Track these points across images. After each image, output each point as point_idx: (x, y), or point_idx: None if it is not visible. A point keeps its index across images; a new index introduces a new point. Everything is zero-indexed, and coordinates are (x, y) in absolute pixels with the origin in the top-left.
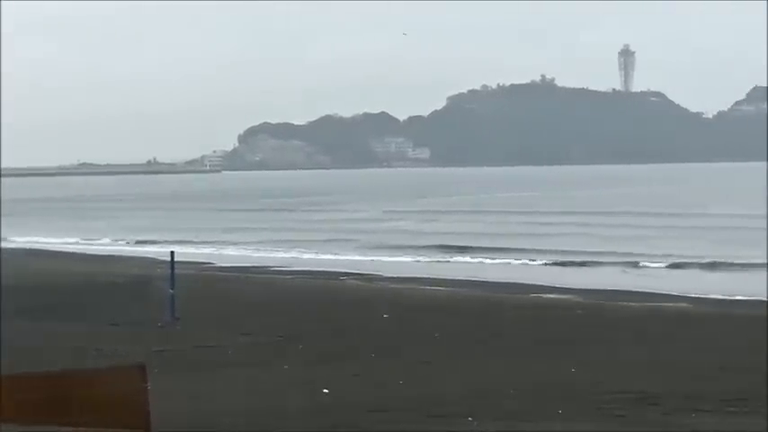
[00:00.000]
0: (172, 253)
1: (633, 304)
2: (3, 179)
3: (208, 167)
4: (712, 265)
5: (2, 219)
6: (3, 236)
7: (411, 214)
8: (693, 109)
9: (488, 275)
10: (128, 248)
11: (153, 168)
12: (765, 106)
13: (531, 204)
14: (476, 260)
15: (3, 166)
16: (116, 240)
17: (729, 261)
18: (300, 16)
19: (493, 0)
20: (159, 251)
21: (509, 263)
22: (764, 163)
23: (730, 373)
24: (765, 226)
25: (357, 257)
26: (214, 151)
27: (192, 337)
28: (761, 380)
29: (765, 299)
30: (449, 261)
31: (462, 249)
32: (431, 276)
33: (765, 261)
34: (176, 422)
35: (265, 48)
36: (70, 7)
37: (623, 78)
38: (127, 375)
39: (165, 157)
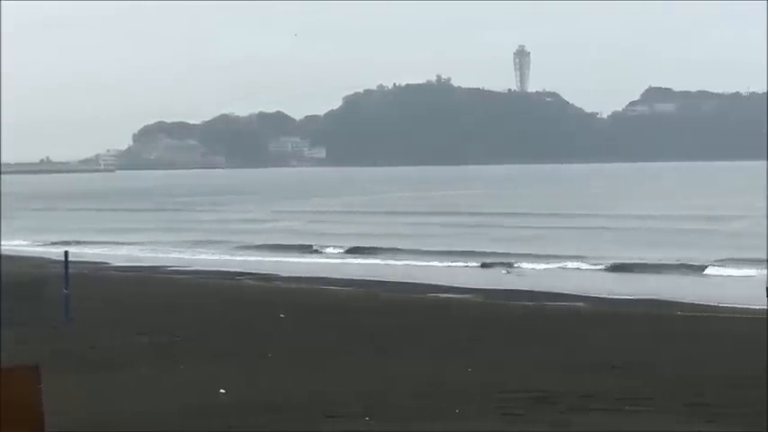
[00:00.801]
0: (66, 252)
1: (529, 304)
2: None
3: (102, 167)
4: (608, 266)
5: None
6: None
7: (305, 214)
8: (588, 109)
9: (385, 275)
10: (20, 248)
11: (46, 167)
12: (659, 107)
13: (427, 204)
14: (371, 260)
15: None
16: (6, 240)
17: (625, 261)
18: (196, 16)
19: (387, 0)
20: (53, 251)
21: (406, 263)
22: (658, 164)
23: (625, 372)
24: (660, 227)
25: (253, 257)
26: (108, 150)
27: (87, 338)
28: (655, 379)
29: (658, 298)
30: (344, 261)
31: (358, 249)
32: (326, 276)
33: (660, 262)
34: (71, 424)
35: (160, 46)
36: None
37: (518, 78)
38: (19, 377)
39: (58, 155)
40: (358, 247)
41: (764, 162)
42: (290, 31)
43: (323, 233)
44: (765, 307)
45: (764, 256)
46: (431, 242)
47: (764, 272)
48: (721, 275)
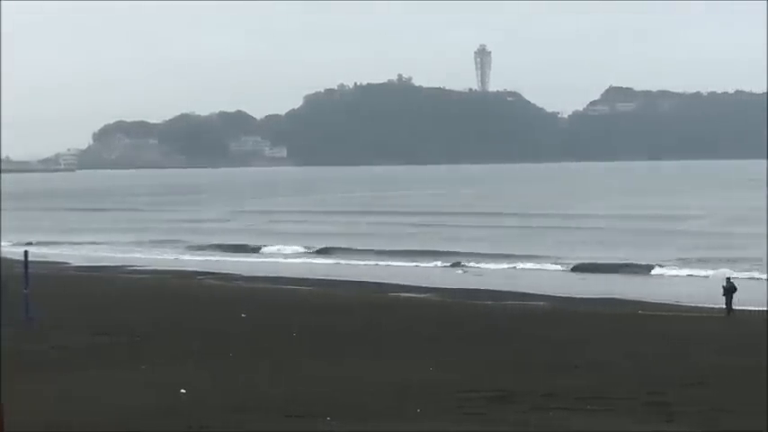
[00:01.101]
0: (25, 252)
1: (490, 303)
2: None
3: (62, 166)
4: (568, 265)
5: None
6: None
7: (266, 214)
8: (550, 109)
9: (346, 275)
10: None
11: (6, 167)
12: (620, 106)
13: (388, 204)
14: (332, 260)
15: None
16: None
17: (585, 261)
18: (154, 16)
19: (347, 0)
20: (12, 251)
21: (367, 263)
22: (618, 163)
23: (586, 372)
24: (619, 226)
25: (213, 257)
26: (68, 149)
27: (47, 337)
28: (616, 378)
29: (619, 297)
30: (305, 260)
31: (319, 249)
32: (288, 276)
33: (620, 261)
34: (31, 424)
35: (120, 46)
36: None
37: (479, 78)
38: None
39: (18, 155)
40: (319, 246)
41: (724, 161)
42: (249, 31)
43: (284, 233)
44: (722, 306)
45: (720, 256)
46: (392, 242)
47: (720, 271)
48: (680, 275)
